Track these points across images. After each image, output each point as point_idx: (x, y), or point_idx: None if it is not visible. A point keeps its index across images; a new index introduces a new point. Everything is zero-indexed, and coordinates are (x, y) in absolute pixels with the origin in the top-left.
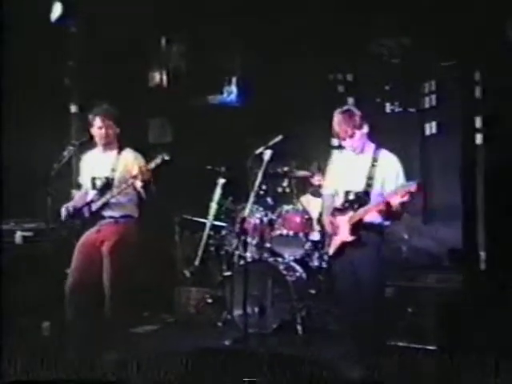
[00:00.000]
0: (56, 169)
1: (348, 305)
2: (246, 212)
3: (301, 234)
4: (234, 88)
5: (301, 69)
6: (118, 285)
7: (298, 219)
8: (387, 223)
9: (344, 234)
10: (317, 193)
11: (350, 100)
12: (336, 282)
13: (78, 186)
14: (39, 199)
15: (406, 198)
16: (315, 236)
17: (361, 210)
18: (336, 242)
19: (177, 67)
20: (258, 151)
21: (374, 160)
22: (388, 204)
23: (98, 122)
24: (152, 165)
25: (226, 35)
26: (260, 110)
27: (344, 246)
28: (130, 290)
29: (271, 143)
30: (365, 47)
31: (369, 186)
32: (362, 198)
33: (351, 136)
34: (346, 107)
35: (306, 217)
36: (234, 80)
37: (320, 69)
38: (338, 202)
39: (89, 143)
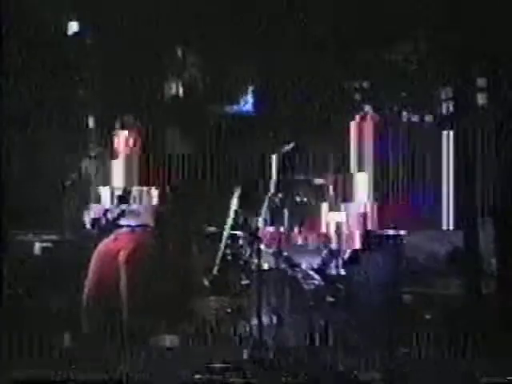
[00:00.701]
0: (72, 180)
1: (364, 312)
2: (260, 221)
3: (317, 243)
4: (250, 98)
5: (317, 76)
6: (135, 294)
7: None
8: (402, 233)
9: (355, 242)
10: (333, 201)
11: (367, 108)
12: (353, 289)
13: (98, 197)
14: (56, 210)
15: None
16: (333, 244)
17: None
18: (349, 250)
19: (193, 77)
20: (272, 159)
21: None
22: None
23: (123, 134)
24: None
25: (241, 45)
26: (276, 119)
27: (355, 253)
28: (147, 300)
29: (283, 151)
30: (380, 53)
31: None
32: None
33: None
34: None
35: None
36: (250, 89)
37: (336, 76)
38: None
39: (107, 154)
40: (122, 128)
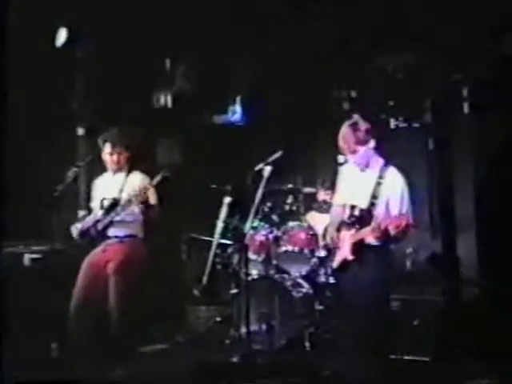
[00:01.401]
0: (60, 190)
1: (353, 320)
2: (247, 228)
3: (306, 250)
4: (238, 107)
5: (305, 86)
6: (124, 305)
7: (303, 236)
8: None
9: (345, 252)
10: (322, 209)
11: (355, 117)
12: (341, 297)
13: (89, 210)
14: (45, 221)
15: (399, 228)
16: (321, 252)
17: (362, 232)
18: (338, 258)
19: (181, 88)
20: (258, 168)
21: (380, 177)
22: (384, 230)
23: (107, 147)
24: (153, 182)
25: (229, 55)
26: (265, 129)
27: (345, 263)
28: (136, 311)
29: (271, 159)
30: (369, 63)
31: (372, 204)
32: (365, 216)
33: (354, 152)
34: (353, 119)
35: (311, 233)
36: (238, 99)
37: (324, 86)
38: (345, 215)
39: (96, 164)
40: (107, 141)
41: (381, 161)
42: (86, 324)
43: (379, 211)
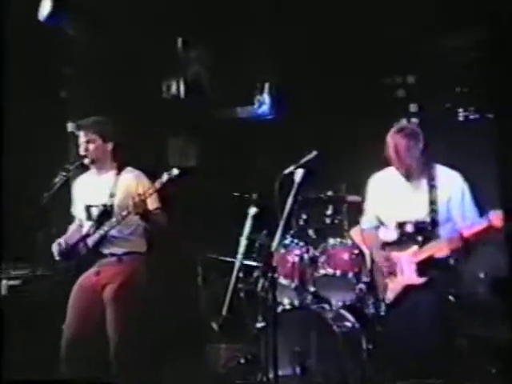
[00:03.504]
0: (46, 199)
1: (409, 362)
2: (274, 245)
3: (350, 274)
4: (266, 97)
5: (349, 71)
6: (125, 341)
7: (346, 256)
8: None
9: (409, 275)
10: None
11: (413, 107)
12: (395, 333)
13: (72, 218)
14: (28, 239)
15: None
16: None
17: (431, 245)
18: (397, 286)
19: (196, 74)
20: (288, 171)
21: (432, 179)
22: (466, 239)
23: (81, 137)
24: (157, 184)
25: (255, 33)
26: (298, 123)
27: (409, 289)
28: (140, 348)
29: (303, 161)
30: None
31: (433, 211)
32: (428, 229)
33: (410, 167)
34: (405, 126)
35: (356, 252)
36: (266, 87)
37: (374, 70)
38: (389, 235)
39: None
40: (81, 130)
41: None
42: (81, 366)
43: (442, 219)
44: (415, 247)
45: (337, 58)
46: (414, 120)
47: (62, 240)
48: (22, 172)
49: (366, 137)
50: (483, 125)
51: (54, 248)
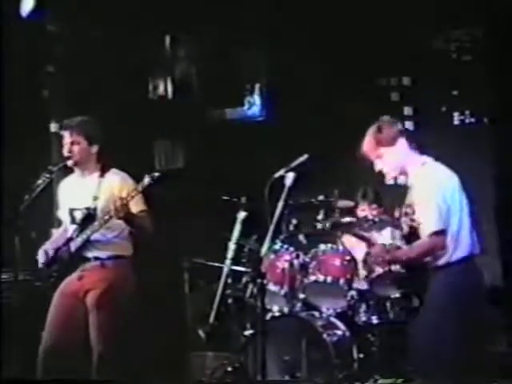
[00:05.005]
0: (28, 202)
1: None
2: (264, 250)
3: (342, 281)
4: (256, 98)
5: (342, 72)
6: (109, 349)
7: (337, 262)
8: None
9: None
10: (362, 228)
11: (407, 110)
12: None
13: (58, 223)
14: (7, 243)
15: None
16: (361, 284)
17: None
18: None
19: (185, 73)
20: (278, 174)
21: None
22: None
23: (66, 138)
24: (139, 187)
25: (246, 32)
26: (289, 125)
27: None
28: (125, 357)
29: (294, 164)
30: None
31: (406, 214)
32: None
33: (378, 157)
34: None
35: (348, 258)
36: (256, 88)
37: (367, 71)
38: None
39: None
40: (65, 130)
41: (422, 158)
42: (61, 371)
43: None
44: None
45: (329, 59)
46: (409, 123)
47: (48, 246)
48: (1, 174)
49: (357, 141)
50: (479, 128)
51: (40, 256)
